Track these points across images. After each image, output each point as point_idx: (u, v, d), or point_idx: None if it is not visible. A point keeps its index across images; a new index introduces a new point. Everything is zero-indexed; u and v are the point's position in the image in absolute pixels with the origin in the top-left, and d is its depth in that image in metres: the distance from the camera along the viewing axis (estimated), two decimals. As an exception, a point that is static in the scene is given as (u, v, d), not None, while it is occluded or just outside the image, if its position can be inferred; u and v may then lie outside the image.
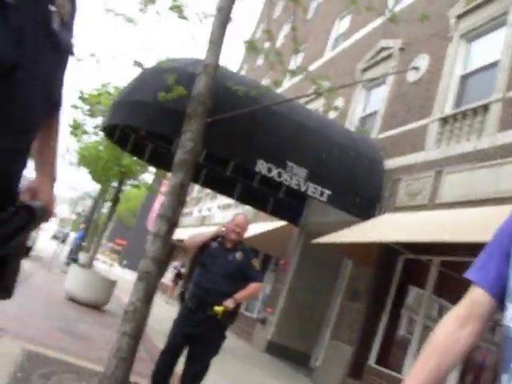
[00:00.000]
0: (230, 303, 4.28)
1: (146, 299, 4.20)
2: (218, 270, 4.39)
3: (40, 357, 4.67)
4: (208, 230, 4.68)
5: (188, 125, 4.38)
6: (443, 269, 8.20)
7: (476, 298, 1.23)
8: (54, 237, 42.10)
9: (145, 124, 9.01)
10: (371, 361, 9.10)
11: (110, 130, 9.82)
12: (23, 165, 1.11)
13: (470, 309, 1.23)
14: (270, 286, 14.55)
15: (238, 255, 4.49)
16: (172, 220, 4.26)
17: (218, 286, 4.33)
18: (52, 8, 1.06)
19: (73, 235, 28.59)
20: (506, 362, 1.10)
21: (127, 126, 9.37)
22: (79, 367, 4.78)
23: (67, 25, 1.12)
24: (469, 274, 1.28)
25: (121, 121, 9.15)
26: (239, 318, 15.27)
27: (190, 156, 4.28)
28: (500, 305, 1.19)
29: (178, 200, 4.25)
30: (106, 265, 35.12)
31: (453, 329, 1.22)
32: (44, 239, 30.27)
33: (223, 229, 4.55)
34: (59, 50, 1.08)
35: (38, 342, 5.28)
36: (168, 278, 25.58)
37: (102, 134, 11.55)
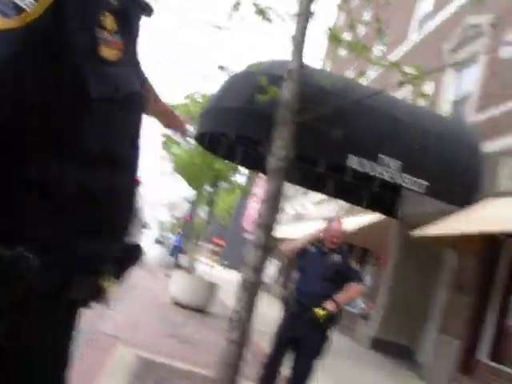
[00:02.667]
0: (331, 306, 4.29)
1: (250, 308, 4.32)
2: (317, 274, 4.42)
3: (153, 363, 4.92)
4: (303, 236, 4.70)
5: (278, 133, 4.43)
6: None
7: None
8: (157, 241, 43.69)
9: (234, 129, 9.21)
10: (483, 356, 8.72)
11: (201, 137, 10.13)
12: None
13: None
14: (370, 280, 14.33)
15: (337, 258, 4.49)
16: (269, 227, 4.34)
17: (318, 290, 4.36)
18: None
19: (173, 238, 29.76)
20: None
21: (218, 132, 9.63)
22: (189, 372, 4.99)
23: (124, 62, 1.10)
24: None
25: (211, 128, 9.42)
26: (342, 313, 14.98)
27: (283, 163, 4.34)
28: None
29: (275, 207, 4.32)
30: (208, 266, 36.22)
31: None
32: (147, 244, 31.71)
33: (320, 234, 4.57)
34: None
35: (149, 348, 5.55)
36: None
37: (193, 141, 11.92)
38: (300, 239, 4.68)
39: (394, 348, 12.17)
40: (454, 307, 9.60)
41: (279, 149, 4.32)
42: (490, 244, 8.80)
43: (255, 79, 6.87)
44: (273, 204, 4.29)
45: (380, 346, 12.27)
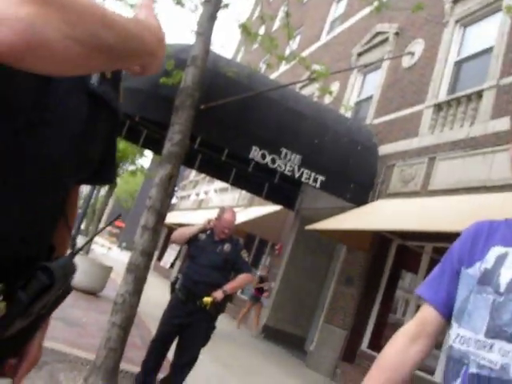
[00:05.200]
0: (218, 294, 4.35)
1: (136, 291, 4.26)
2: (206, 262, 4.45)
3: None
4: (195, 225, 4.71)
5: (176, 117, 4.39)
6: (435, 255, 8.28)
7: (427, 316, 1.27)
8: None
9: (138, 111, 9.02)
10: (364, 345, 9.24)
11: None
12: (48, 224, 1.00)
13: (421, 327, 1.26)
14: (266, 269, 14.65)
15: (226, 247, 4.55)
16: (160, 212, 4.30)
17: (206, 278, 4.39)
18: None
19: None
20: (448, 381, 1.15)
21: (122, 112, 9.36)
22: (72, 356, 4.85)
23: (111, 81, 1.07)
24: (420, 291, 1.32)
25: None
26: (236, 301, 15.29)
27: (177, 148, 4.30)
28: (449, 323, 1.23)
29: (166, 192, 4.28)
30: (105, 248, 35.27)
31: (402, 346, 1.25)
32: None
33: (211, 224, 4.60)
34: (99, 107, 1.01)
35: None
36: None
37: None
38: (191, 227, 4.68)
39: (286, 336, 12.57)
40: (340, 298, 10.08)
41: (175, 134, 4.29)
42: (378, 241, 9.31)
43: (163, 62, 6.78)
44: (164, 189, 4.24)
45: (271, 333, 12.61)
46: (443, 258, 1.33)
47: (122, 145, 13.37)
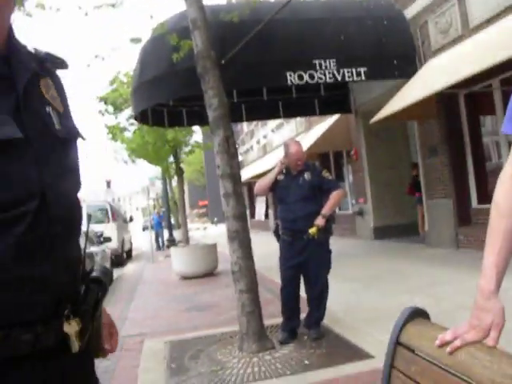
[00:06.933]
0: (320, 221, 4.48)
1: (246, 254, 4.45)
2: (295, 198, 4.57)
3: (182, 342, 5.07)
4: (270, 173, 4.80)
5: (204, 84, 4.45)
6: (505, 87, 7.93)
7: None
8: (144, 228, 43.75)
9: (168, 96, 9.15)
10: (474, 203, 9.15)
11: (142, 116, 10.04)
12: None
13: None
14: (351, 177, 14.68)
15: (307, 175, 4.63)
16: (233, 174, 4.42)
17: (302, 212, 4.51)
18: (48, 109, 1.08)
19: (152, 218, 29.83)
20: None
21: (155, 104, 9.54)
22: (218, 335, 5.15)
23: (65, 113, 1.14)
24: (505, 129, 1.27)
25: (147, 104, 9.33)
26: (338, 219, 15.47)
27: (220, 111, 4.37)
28: None
29: (230, 154, 4.38)
30: (201, 230, 36.46)
31: (510, 187, 1.22)
32: (136, 235, 31.66)
33: (282, 164, 4.68)
34: (60, 141, 1.09)
35: (173, 330, 5.70)
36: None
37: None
38: (268, 175, 4.79)
39: (398, 230, 12.66)
40: (433, 171, 9.93)
41: (212, 99, 4.36)
42: (445, 101, 9.04)
43: (167, 40, 6.80)
44: (226, 151, 4.35)
45: (383, 233, 12.75)
46: None
47: (170, 135, 13.62)
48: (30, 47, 1.14)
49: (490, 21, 7.74)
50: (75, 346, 1.06)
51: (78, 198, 1.17)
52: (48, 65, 1.15)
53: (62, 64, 1.20)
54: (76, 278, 1.12)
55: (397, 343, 1.36)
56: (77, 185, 1.17)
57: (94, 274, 1.19)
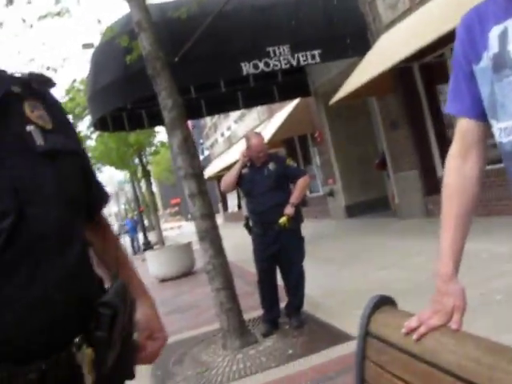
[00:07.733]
0: (289, 210, 4.48)
1: (217, 252, 4.42)
2: (262, 190, 4.55)
3: (165, 348, 4.99)
4: (233, 169, 4.77)
5: (157, 85, 4.38)
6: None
7: (463, 128, 1.25)
8: (119, 233, 43.49)
9: (125, 99, 9.01)
10: (439, 172, 9.29)
11: (101, 123, 9.88)
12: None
13: (463, 140, 1.25)
14: (318, 160, 14.76)
15: (272, 166, 4.62)
16: (196, 173, 4.37)
17: (270, 202, 4.50)
18: (29, 128, 1.05)
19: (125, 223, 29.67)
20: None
21: (113, 109, 9.39)
22: (201, 335, 5.14)
23: (55, 129, 1.10)
24: (447, 109, 1.29)
25: (104, 110, 9.18)
26: (310, 202, 15.50)
27: (176, 111, 4.31)
28: (488, 123, 1.20)
29: (190, 154, 4.33)
30: (174, 229, 36.26)
31: (457, 166, 1.25)
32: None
33: (245, 157, 4.65)
34: (42, 157, 1.05)
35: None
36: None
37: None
38: (231, 171, 4.76)
39: (369, 204, 12.78)
40: (397, 144, 10.04)
41: (166, 100, 4.29)
42: (400, 74, 9.11)
43: (117, 43, 6.68)
44: (186, 151, 4.30)
45: (356, 210, 12.87)
46: (453, 67, 1.28)
47: (132, 138, 13.47)
48: (15, 71, 1.13)
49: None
50: (88, 380, 0.96)
51: (77, 212, 1.09)
52: (34, 85, 1.13)
53: (48, 82, 1.18)
54: (81, 299, 1.02)
55: (366, 334, 1.36)
56: (72, 199, 1.08)
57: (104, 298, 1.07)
